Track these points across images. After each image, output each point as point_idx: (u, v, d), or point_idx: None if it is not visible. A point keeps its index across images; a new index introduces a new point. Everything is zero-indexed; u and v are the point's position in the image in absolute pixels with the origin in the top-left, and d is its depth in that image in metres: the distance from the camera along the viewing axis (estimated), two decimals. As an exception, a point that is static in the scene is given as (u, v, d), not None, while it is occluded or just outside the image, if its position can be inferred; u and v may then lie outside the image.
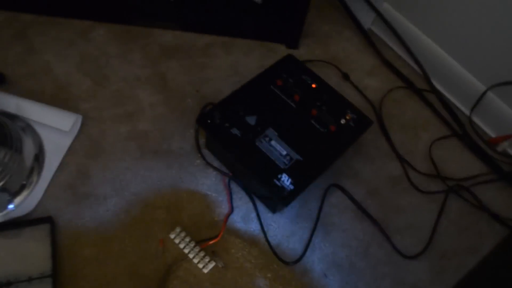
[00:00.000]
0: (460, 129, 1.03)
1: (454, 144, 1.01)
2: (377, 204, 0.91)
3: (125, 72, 1.01)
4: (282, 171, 0.79)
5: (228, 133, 0.81)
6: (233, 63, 1.06)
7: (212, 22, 1.11)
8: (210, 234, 0.83)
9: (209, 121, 0.82)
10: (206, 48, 1.08)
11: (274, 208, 0.86)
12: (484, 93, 0.99)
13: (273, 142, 0.81)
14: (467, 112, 1.06)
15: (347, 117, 0.86)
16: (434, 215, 0.91)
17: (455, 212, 0.93)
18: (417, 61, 1.09)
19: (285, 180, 0.78)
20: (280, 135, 0.82)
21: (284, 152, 0.80)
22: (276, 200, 0.78)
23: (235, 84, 0.91)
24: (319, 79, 0.90)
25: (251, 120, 0.83)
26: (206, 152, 0.92)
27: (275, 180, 0.77)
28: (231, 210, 0.86)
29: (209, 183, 0.89)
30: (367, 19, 1.17)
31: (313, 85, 0.89)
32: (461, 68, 1.03)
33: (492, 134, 1.03)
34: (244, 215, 0.87)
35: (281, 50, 1.11)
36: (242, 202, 0.88)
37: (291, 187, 0.77)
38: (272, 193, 0.77)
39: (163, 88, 1.00)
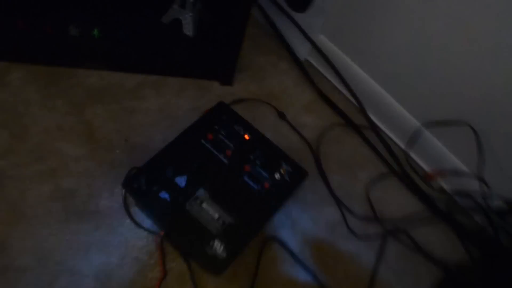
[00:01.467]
0: (397, 166, 1.03)
1: (391, 182, 1.01)
2: (316, 254, 0.89)
3: (47, 122, 0.94)
4: (214, 237, 0.75)
5: (156, 198, 0.77)
6: (164, 105, 1.01)
7: (141, 59, 1.05)
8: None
9: (135, 185, 0.77)
10: (135, 90, 1.02)
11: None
12: (419, 129, 0.99)
13: (204, 205, 0.77)
14: (403, 146, 1.05)
15: (282, 171, 0.83)
16: (372, 261, 0.91)
17: (393, 256, 0.93)
18: (353, 94, 1.08)
19: (218, 247, 0.75)
20: (212, 196, 0.78)
21: (216, 216, 0.77)
22: (209, 270, 0.74)
23: (167, 129, 0.86)
24: (252, 128, 0.87)
25: (181, 181, 0.79)
26: (137, 210, 0.87)
27: (206, 249, 0.74)
28: (164, 274, 0.82)
29: (140, 244, 0.84)
30: (303, 49, 1.15)
31: (246, 136, 0.86)
32: (395, 102, 1.03)
33: (429, 170, 1.04)
34: (179, 277, 0.83)
35: (215, 88, 1.07)
36: (176, 262, 0.84)
37: (224, 254, 0.74)
38: (204, 263, 0.74)
39: (88, 138, 0.94)
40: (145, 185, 0.78)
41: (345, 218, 0.94)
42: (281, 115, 1.04)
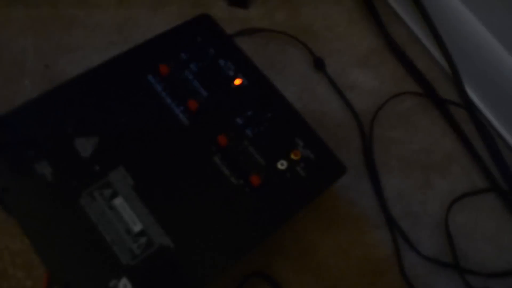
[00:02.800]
0: (502, 179, 0.57)
1: (489, 204, 0.57)
2: None
3: None
4: (121, 271, 0.34)
5: (28, 172, 0.37)
6: (127, 22, 0.60)
7: None
8: None
9: None
10: None
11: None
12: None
13: (117, 202, 0.36)
14: None
15: (294, 157, 0.41)
16: None
17: None
18: (445, 52, 0.62)
19: None
20: (139, 185, 0.37)
21: (138, 227, 0.36)
22: None
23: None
24: (252, 69, 0.44)
25: (85, 146, 0.38)
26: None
27: None
28: None
29: (13, 247, 0.45)
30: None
31: (237, 81, 0.43)
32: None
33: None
34: None
35: (218, 8, 0.64)
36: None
37: None
38: None
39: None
40: (11, 143, 0.37)
41: (400, 257, 0.51)
42: (319, 64, 0.60)
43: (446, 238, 0.54)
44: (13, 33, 0.57)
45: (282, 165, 0.41)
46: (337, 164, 0.42)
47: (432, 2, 0.63)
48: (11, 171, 0.38)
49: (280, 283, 0.47)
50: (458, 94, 0.63)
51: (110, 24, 0.60)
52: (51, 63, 0.56)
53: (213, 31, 0.47)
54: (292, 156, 0.41)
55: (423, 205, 0.56)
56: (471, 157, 0.60)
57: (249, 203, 0.39)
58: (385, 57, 0.65)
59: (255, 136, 0.42)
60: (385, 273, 0.51)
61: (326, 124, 0.57)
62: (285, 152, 0.42)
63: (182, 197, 0.38)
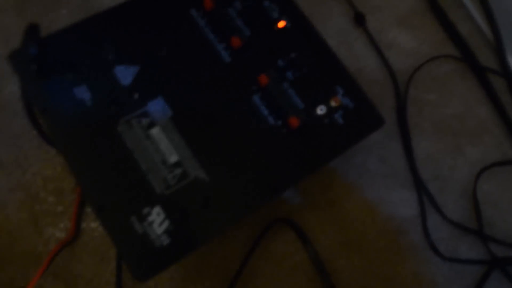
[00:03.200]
0: None
1: (520, 176, 0.56)
2: (354, 270, 0.47)
3: None
4: (155, 199, 0.35)
5: (67, 95, 0.37)
6: None
7: None
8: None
9: (33, 63, 0.37)
10: None
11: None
12: None
13: (155, 132, 0.36)
14: None
15: (333, 103, 0.40)
16: None
17: None
18: (491, 19, 0.60)
19: (156, 221, 0.34)
20: (177, 117, 0.37)
21: (174, 158, 0.36)
22: (126, 263, 0.34)
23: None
24: (296, 13, 0.43)
25: (125, 74, 0.38)
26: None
27: (131, 219, 0.34)
28: (74, 233, 0.43)
29: (46, 173, 0.46)
30: None
31: (281, 23, 0.42)
32: None
33: None
34: (93, 249, 0.44)
35: None
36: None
37: (165, 240, 0.33)
38: (122, 247, 0.34)
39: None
40: (52, 65, 0.37)
41: (425, 219, 0.50)
42: (359, 19, 0.59)
43: (472, 205, 0.53)
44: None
45: (321, 110, 0.40)
46: (375, 115, 0.41)
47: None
48: (51, 94, 0.38)
49: (305, 231, 0.47)
50: (499, 63, 0.61)
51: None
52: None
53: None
54: (332, 103, 0.41)
55: (452, 170, 0.55)
56: (504, 127, 0.59)
57: (285, 144, 0.38)
58: (426, 18, 0.63)
59: (296, 79, 0.41)
60: (409, 233, 0.51)
61: (361, 80, 0.55)
62: (325, 98, 0.41)
63: (219, 133, 0.38)
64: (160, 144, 0.37)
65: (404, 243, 0.50)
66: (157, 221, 0.35)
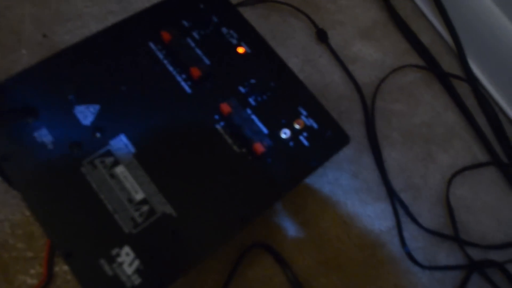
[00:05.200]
0: (503, 152, 0.58)
1: (490, 177, 0.57)
2: (336, 286, 0.47)
3: None
4: (123, 240, 0.34)
5: (28, 139, 0.36)
6: None
7: None
8: None
9: None
10: None
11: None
12: None
13: (119, 170, 0.36)
14: None
15: (298, 126, 0.40)
16: None
17: None
18: (450, 26, 0.62)
19: (126, 262, 0.33)
20: (140, 154, 0.37)
21: (140, 196, 0.36)
22: None
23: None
24: (255, 37, 0.43)
25: (86, 113, 0.38)
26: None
27: (100, 262, 0.33)
28: (46, 279, 0.42)
29: (14, 219, 0.45)
30: None
31: (240, 49, 0.42)
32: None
33: None
34: None
35: None
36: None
37: (137, 280, 0.33)
38: (91, 287, 0.33)
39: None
40: (10, 111, 0.37)
41: (401, 229, 0.51)
42: (321, 36, 0.59)
43: (446, 211, 0.54)
44: (11, 2, 0.55)
45: (285, 134, 0.40)
46: (340, 133, 0.41)
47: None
48: (11, 140, 0.37)
49: (281, 254, 0.47)
50: (461, 68, 0.63)
51: (109, -8, 0.58)
52: (49, 33, 0.55)
53: (214, -2, 0.46)
54: (296, 125, 0.41)
55: (424, 178, 0.55)
56: (472, 131, 0.60)
57: (252, 171, 0.38)
58: (388, 30, 0.65)
59: (258, 104, 0.41)
60: (386, 245, 0.51)
61: (328, 96, 0.57)
62: (289, 120, 0.41)
63: (184, 165, 0.38)
64: (125, 182, 0.37)
65: (382, 256, 0.50)
66: (127, 261, 0.35)
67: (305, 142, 0.41)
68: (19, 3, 0.55)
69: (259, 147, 0.39)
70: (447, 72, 0.61)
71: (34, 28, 0.55)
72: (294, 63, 0.57)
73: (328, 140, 0.41)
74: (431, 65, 0.62)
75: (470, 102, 0.60)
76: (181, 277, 0.35)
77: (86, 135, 0.38)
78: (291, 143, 0.40)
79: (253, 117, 0.41)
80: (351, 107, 0.57)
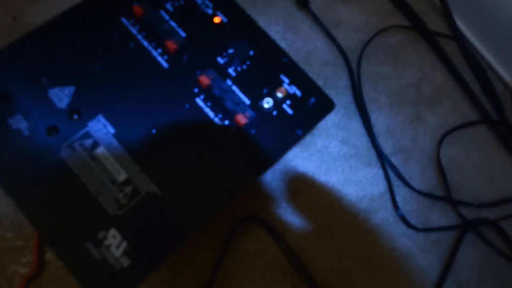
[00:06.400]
0: (492, 109, 0.57)
1: (480, 135, 0.57)
2: (329, 256, 0.47)
3: None
4: (109, 222, 0.33)
5: (4, 126, 0.35)
6: None
7: None
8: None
9: None
10: None
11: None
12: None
13: (99, 151, 0.35)
14: (509, 78, 0.58)
15: (280, 94, 0.39)
16: (436, 272, 0.48)
17: (472, 263, 0.50)
18: None
19: (113, 245, 0.33)
20: (120, 133, 0.36)
21: (122, 176, 0.35)
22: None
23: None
24: (232, 5, 0.42)
25: (61, 95, 0.36)
26: None
27: (87, 245, 0.32)
28: (38, 267, 0.42)
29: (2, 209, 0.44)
30: None
31: (216, 19, 0.41)
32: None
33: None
34: (61, 279, 0.42)
35: None
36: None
37: (125, 261, 0.32)
38: (82, 277, 0.32)
39: None
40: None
41: (393, 193, 0.50)
42: (302, 1, 0.57)
43: (438, 172, 0.53)
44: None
45: (267, 103, 0.39)
46: (325, 99, 0.40)
47: None
48: (-16, 128, 0.36)
49: (274, 226, 0.47)
50: (448, 26, 0.61)
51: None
52: (19, 15, 0.52)
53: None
54: (278, 94, 0.40)
55: (414, 140, 0.55)
56: (461, 89, 0.59)
57: (236, 143, 0.38)
58: (370, -10, 0.63)
59: (238, 75, 0.40)
60: (379, 210, 0.51)
61: (312, 63, 0.55)
62: (270, 90, 0.40)
63: (166, 142, 0.37)
64: (107, 163, 0.36)
65: (376, 221, 0.50)
66: (114, 244, 0.34)
67: (289, 111, 0.40)
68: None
69: (242, 119, 0.38)
70: (432, 30, 0.60)
71: (2, 11, 0.52)
72: (275, 31, 0.56)
73: (312, 107, 0.40)
74: (416, 24, 0.60)
75: (458, 60, 0.59)
76: (171, 256, 0.34)
77: (63, 118, 0.37)
78: (274, 112, 0.39)
79: (234, 88, 0.39)
80: (337, 72, 0.55)
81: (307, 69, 0.52)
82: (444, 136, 0.55)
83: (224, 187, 0.36)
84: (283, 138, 0.39)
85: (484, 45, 0.60)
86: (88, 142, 0.37)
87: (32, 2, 0.53)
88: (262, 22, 0.54)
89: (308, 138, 0.50)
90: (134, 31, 0.40)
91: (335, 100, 0.43)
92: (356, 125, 0.54)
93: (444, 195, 0.52)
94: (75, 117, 0.37)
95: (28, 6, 0.53)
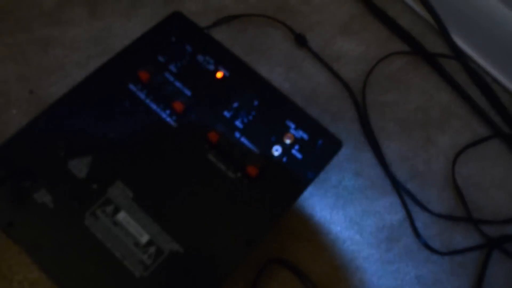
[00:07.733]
0: (504, 123, 0.57)
1: (494, 151, 0.56)
2: None
3: None
4: (137, 284, 0.35)
5: (29, 203, 0.37)
6: (102, 32, 0.59)
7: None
8: None
9: None
10: (57, 10, 0.61)
11: None
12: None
13: (120, 217, 0.37)
14: None
15: (287, 140, 0.40)
16: None
17: (503, 283, 0.49)
18: (428, 5, 0.61)
19: None
20: (139, 196, 0.37)
21: (145, 238, 0.36)
22: None
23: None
24: (231, 59, 0.44)
25: (80, 167, 0.38)
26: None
27: None
28: None
29: None
30: None
31: (218, 74, 0.43)
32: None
33: None
34: None
35: (190, 1, 0.63)
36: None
37: None
38: None
39: (-31, 89, 0.55)
40: (7, 176, 0.38)
41: (412, 219, 0.50)
42: (300, 40, 0.60)
43: (455, 193, 0.53)
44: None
45: (277, 151, 0.41)
46: (332, 139, 0.41)
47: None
48: (12, 205, 0.38)
49: (297, 266, 0.47)
50: (447, 46, 0.62)
51: (86, 37, 0.59)
52: (35, 88, 0.56)
53: (186, 27, 0.46)
54: (286, 140, 0.41)
55: (427, 163, 0.55)
56: (469, 107, 0.59)
57: (250, 194, 0.39)
58: (366, 21, 0.64)
59: (245, 126, 0.41)
60: (401, 238, 0.51)
61: (317, 100, 0.57)
62: (278, 137, 0.41)
63: (183, 200, 0.38)
64: (129, 227, 0.37)
65: (398, 250, 0.50)
66: (142, 305, 0.35)
67: (298, 155, 0.41)
68: (1, 63, 0.56)
69: (253, 169, 0.39)
70: (432, 52, 0.61)
71: (20, 86, 0.56)
72: (278, 72, 0.58)
73: (320, 148, 0.41)
74: (415, 48, 0.62)
75: (461, 78, 0.60)
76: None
77: (84, 188, 0.39)
78: (284, 159, 0.40)
79: (243, 139, 0.41)
80: (343, 105, 0.57)
81: (314, 106, 0.54)
82: (457, 155, 0.55)
83: (243, 239, 0.37)
84: (295, 183, 0.40)
85: (485, 59, 0.61)
86: (109, 208, 0.38)
87: (46, 75, 0.56)
88: (264, 66, 0.56)
89: (322, 175, 0.51)
90: (142, 96, 0.43)
91: (344, 133, 0.45)
92: (368, 155, 0.54)
93: (465, 215, 0.52)
94: (95, 185, 0.39)
95: (43, 79, 0.56)
